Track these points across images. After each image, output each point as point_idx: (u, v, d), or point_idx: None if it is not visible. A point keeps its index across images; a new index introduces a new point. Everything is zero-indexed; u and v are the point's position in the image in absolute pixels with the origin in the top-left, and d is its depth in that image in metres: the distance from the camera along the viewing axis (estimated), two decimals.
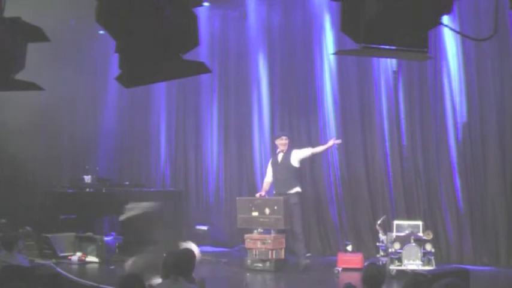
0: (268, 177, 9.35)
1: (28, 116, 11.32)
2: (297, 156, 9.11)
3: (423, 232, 7.94)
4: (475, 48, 8.86)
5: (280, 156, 9.18)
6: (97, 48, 11.70)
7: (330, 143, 9.20)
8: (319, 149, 9.33)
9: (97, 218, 10.66)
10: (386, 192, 9.70)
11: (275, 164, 9.23)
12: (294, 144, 9.43)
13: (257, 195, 9.20)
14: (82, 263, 9.31)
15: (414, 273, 5.87)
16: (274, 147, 9.95)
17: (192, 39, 3.27)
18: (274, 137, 9.80)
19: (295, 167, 9.07)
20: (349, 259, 8.58)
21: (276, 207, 8.68)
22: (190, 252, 4.78)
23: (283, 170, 9.06)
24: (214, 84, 11.76)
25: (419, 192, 9.43)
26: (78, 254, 9.53)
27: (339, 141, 9.23)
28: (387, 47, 3.05)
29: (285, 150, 9.15)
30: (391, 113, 9.69)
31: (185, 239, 10.38)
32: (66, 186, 11.09)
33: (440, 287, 3.50)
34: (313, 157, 9.66)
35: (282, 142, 9.21)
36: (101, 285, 7.20)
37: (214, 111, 11.81)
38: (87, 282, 7.55)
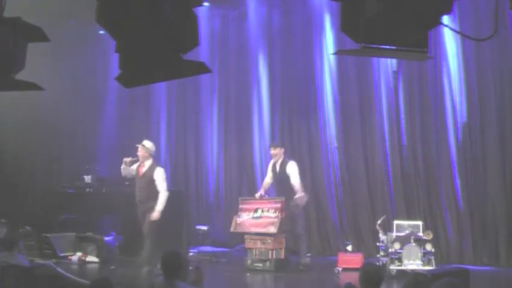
0: (268, 178, 9.24)
1: (28, 116, 11.34)
2: (290, 170, 8.78)
3: (423, 232, 7.94)
4: (475, 48, 8.86)
5: (277, 166, 8.97)
6: (97, 48, 11.69)
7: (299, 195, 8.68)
8: (296, 189, 8.68)
9: (97, 218, 10.64)
10: (386, 192, 9.71)
11: (274, 171, 9.05)
12: (293, 145, 9.37)
13: (256, 195, 9.12)
14: (82, 263, 9.32)
15: (414, 273, 5.88)
16: None
17: (192, 39, 3.26)
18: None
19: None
20: (349, 259, 8.57)
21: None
22: (177, 253, 4.76)
23: (282, 179, 8.89)
24: (214, 84, 11.75)
25: (419, 192, 9.44)
26: (78, 254, 9.53)
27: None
28: (387, 47, 3.05)
29: (280, 160, 8.91)
30: (391, 113, 9.70)
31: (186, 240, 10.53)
32: (66, 186, 11.08)
33: (440, 286, 3.49)
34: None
35: (271, 152, 9.05)
36: None
37: (214, 111, 11.80)
38: (87, 282, 7.51)
